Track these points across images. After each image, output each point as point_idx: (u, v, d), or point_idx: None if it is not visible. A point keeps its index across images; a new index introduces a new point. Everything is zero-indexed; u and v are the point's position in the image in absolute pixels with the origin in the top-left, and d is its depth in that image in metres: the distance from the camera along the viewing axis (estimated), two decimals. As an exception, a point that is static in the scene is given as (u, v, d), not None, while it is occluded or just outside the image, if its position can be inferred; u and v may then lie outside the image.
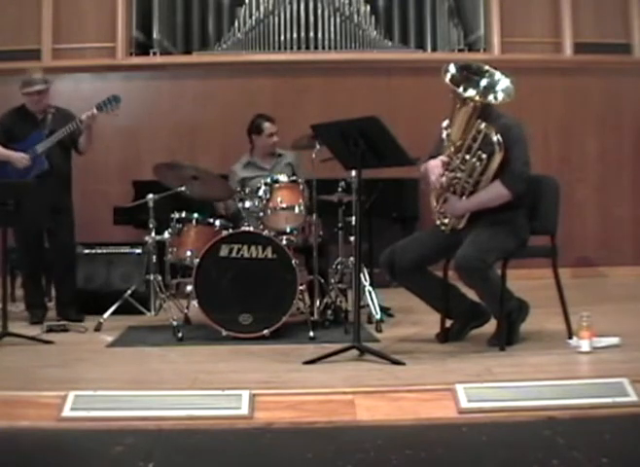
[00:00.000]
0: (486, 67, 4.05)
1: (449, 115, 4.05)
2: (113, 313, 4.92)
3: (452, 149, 4.03)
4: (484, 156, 3.95)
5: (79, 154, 5.30)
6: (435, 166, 4.08)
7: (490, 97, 3.97)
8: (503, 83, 3.99)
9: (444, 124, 4.07)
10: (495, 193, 3.99)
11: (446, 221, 4.14)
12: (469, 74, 4.01)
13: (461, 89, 3.93)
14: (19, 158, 4.98)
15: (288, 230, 4.73)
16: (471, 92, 3.94)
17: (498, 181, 3.98)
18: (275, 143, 5.47)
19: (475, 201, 4.03)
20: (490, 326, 4.14)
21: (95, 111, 5.02)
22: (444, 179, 4.05)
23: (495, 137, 3.91)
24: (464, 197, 4.05)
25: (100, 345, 4.41)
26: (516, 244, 4.07)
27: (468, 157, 3.98)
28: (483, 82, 4.00)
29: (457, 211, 4.09)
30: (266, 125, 5.42)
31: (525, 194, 4.04)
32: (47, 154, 5.02)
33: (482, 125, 3.93)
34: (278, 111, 5.61)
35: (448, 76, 3.95)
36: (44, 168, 4.98)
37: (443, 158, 4.07)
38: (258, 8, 7.57)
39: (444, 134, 4.06)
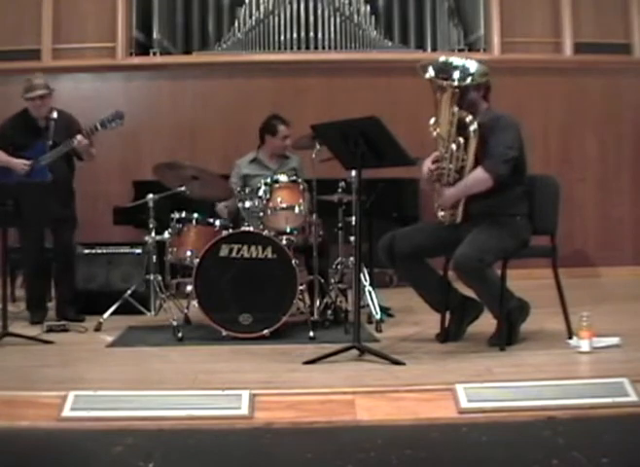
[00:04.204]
0: (447, 60, 4.08)
1: (434, 111, 4.06)
2: (113, 313, 4.92)
3: (440, 142, 4.05)
4: (461, 139, 3.98)
5: (81, 161, 5.32)
6: (427, 161, 4.13)
7: (468, 81, 3.99)
8: (472, 66, 4.02)
9: (431, 121, 4.08)
10: (475, 176, 4.01)
11: (444, 214, 4.16)
12: (443, 74, 4.02)
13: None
14: (19, 164, 4.97)
15: (288, 230, 4.73)
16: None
17: (479, 166, 4.00)
18: (287, 146, 5.47)
19: (459, 188, 4.06)
20: (490, 326, 4.14)
21: (99, 127, 5.06)
22: (432, 166, 4.08)
23: (472, 126, 3.94)
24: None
25: (100, 345, 4.41)
26: (516, 245, 4.07)
27: (449, 143, 4.01)
28: (456, 75, 4.02)
29: (445, 200, 4.10)
30: (282, 127, 5.41)
31: (518, 186, 4.06)
32: (50, 166, 5.02)
33: (455, 109, 3.95)
34: (278, 111, 5.59)
35: (428, 75, 3.98)
36: (47, 180, 4.96)
37: (435, 153, 4.10)
38: (258, 8, 7.57)
39: (434, 134, 4.07)
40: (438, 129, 4.04)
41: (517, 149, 4.05)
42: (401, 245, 4.16)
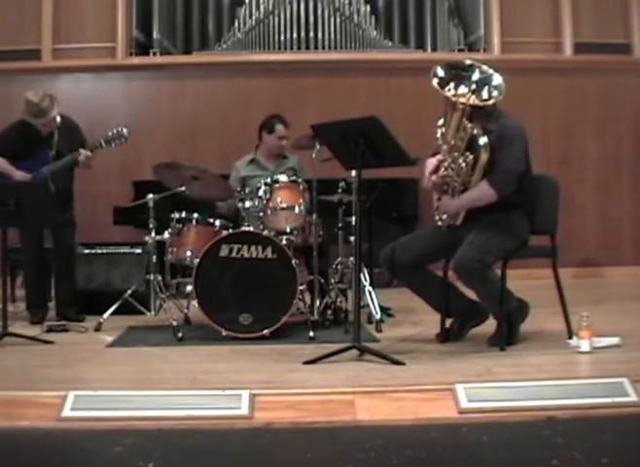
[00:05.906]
0: (473, 63, 4.03)
1: (444, 114, 4.05)
2: (113, 313, 4.92)
3: (446, 148, 4.04)
4: (471, 157, 3.95)
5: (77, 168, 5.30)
6: (429, 164, 4.11)
7: (483, 94, 3.95)
8: (496, 79, 3.99)
9: (440, 122, 4.08)
10: (480, 191, 4.00)
11: (444, 217, 4.16)
12: (458, 71, 3.99)
13: (451, 88, 3.92)
14: (20, 177, 4.95)
15: (288, 230, 4.73)
16: (462, 90, 3.94)
17: (484, 180, 3.99)
18: (283, 147, 5.47)
19: (463, 200, 4.05)
20: (490, 326, 4.14)
21: (104, 145, 5.05)
22: (434, 177, 4.07)
23: (482, 139, 3.91)
24: (456, 196, 4.07)
25: (100, 345, 4.41)
26: (516, 245, 4.07)
27: (457, 156, 3.99)
28: (475, 76, 3.99)
29: (449, 210, 4.11)
30: (279, 127, 5.42)
31: (518, 192, 4.02)
32: (52, 177, 4.99)
33: (469, 126, 3.94)
34: (278, 111, 5.59)
35: (436, 80, 3.95)
36: (49, 190, 4.94)
37: (439, 156, 4.09)
38: (258, 8, 7.57)
39: (439, 133, 4.07)
40: (443, 129, 4.03)
41: (524, 161, 4.02)
42: (401, 256, 4.15)
